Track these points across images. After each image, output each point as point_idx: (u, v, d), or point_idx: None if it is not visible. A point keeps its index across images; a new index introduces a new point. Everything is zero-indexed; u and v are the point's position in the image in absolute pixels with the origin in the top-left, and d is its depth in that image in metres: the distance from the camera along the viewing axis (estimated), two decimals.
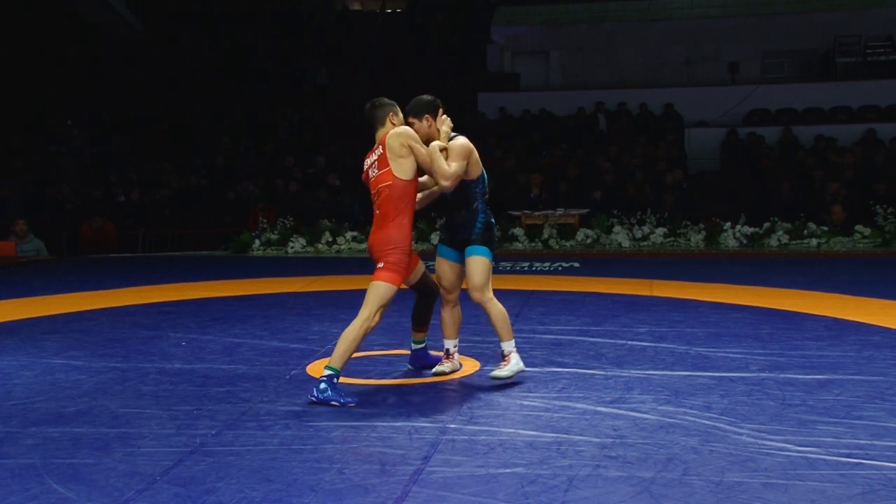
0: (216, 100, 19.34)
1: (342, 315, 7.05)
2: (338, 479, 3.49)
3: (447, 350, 5.20)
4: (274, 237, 12.88)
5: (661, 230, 12.32)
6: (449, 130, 4.99)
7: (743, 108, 17.54)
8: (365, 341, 5.85)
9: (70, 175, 16.48)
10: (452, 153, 4.86)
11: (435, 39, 21.76)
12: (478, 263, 4.94)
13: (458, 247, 5.10)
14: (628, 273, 9.53)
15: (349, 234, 12.91)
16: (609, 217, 12.60)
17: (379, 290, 4.71)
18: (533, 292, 8.31)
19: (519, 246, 12.35)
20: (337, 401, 4.48)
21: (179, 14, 22.50)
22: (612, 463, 3.61)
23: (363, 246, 12.67)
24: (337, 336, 5.78)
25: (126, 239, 14.19)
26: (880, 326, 6.36)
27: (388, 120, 4.89)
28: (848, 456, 3.64)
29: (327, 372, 4.56)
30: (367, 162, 4.92)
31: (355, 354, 4.92)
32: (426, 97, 5.01)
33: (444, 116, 5.01)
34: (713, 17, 19.30)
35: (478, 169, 4.99)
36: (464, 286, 5.13)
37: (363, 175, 4.97)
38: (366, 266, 10.32)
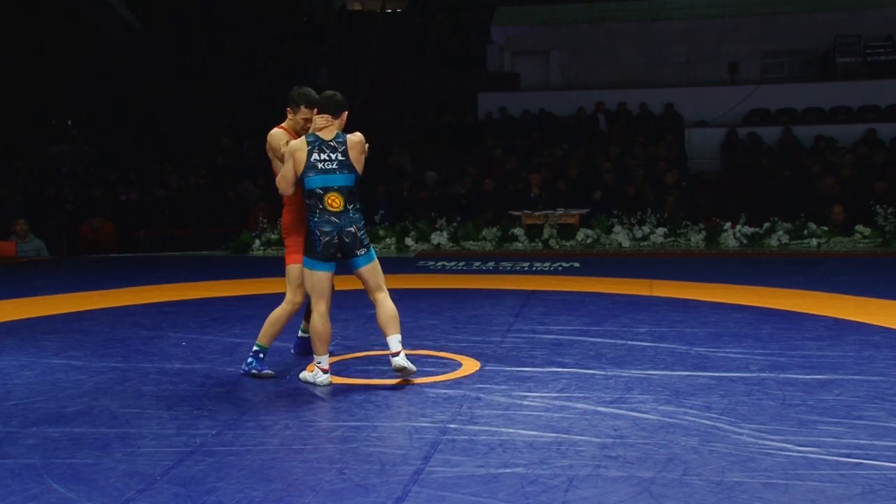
0: (216, 100, 19.34)
1: (342, 315, 7.06)
2: (338, 479, 3.49)
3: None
4: (274, 237, 12.88)
5: (661, 230, 12.32)
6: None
7: (743, 108, 17.55)
8: (364, 341, 5.87)
9: (70, 175, 16.48)
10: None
11: (435, 39, 21.76)
12: (304, 273, 5.09)
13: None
14: (628, 273, 9.53)
15: None
16: (609, 217, 12.60)
17: (289, 273, 5.18)
18: (533, 292, 8.31)
19: (519, 246, 12.35)
20: (257, 369, 5.15)
21: (179, 14, 22.51)
22: (612, 463, 3.61)
23: None
24: (337, 335, 5.79)
25: (126, 239, 14.19)
26: (880, 326, 6.35)
27: (287, 111, 5.29)
28: (848, 456, 3.64)
29: (255, 348, 5.20)
30: None
31: (356, 354, 5.26)
32: (328, 93, 5.07)
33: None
34: (713, 17, 19.31)
35: (298, 170, 4.96)
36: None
37: None
38: None
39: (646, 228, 12.38)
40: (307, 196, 4.94)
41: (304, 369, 5.15)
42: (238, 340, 6.24)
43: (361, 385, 5.01)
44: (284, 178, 5.00)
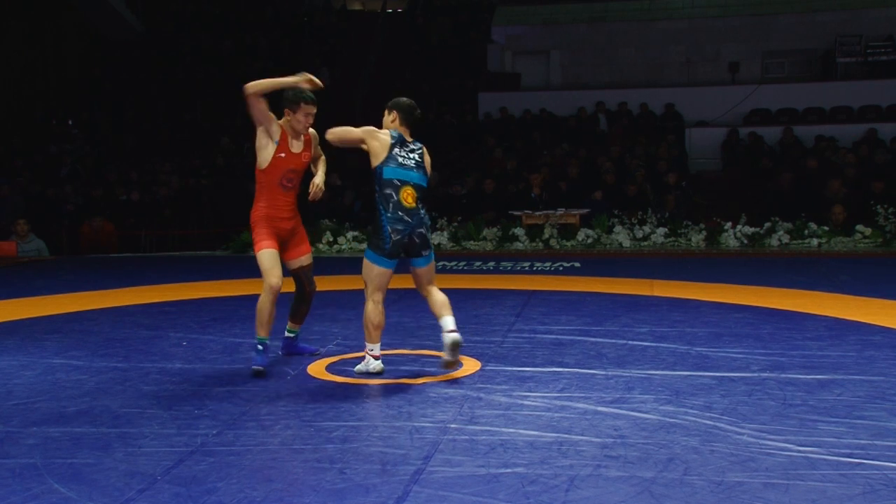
0: (217, 100, 19.34)
1: (343, 315, 7.06)
2: (339, 478, 3.49)
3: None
4: None
5: (661, 230, 12.32)
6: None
7: (743, 108, 17.54)
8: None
9: (71, 175, 16.48)
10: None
11: (435, 39, 21.76)
12: (363, 262, 5.21)
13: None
14: (629, 273, 9.53)
15: (350, 234, 12.91)
16: (610, 217, 12.60)
17: (258, 260, 5.26)
18: (534, 292, 8.31)
19: (520, 246, 12.35)
20: (256, 363, 5.26)
21: (179, 14, 22.52)
22: (612, 463, 3.61)
23: (363, 246, 12.65)
24: (338, 335, 5.80)
25: (126, 239, 14.19)
26: (881, 326, 6.35)
27: (285, 112, 5.36)
28: (849, 456, 3.64)
29: (256, 339, 5.34)
30: None
31: (357, 354, 5.32)
32: (406, 101, 5.32)
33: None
34: (713, 16, 19.30)
35: (379, 158, 5.12)
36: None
37: None
38: None
39: (646, 228, 12.38)
40: (382, 186, 5.06)
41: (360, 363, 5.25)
42: (238, 340, 6.24)
43: (362, 385, 5.01)
44: (346, 134, 5.10)
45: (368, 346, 5.17)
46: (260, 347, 5.26)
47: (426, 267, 5.20)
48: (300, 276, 5.55)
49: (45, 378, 5.23)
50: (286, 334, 5.74)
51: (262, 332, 5.27)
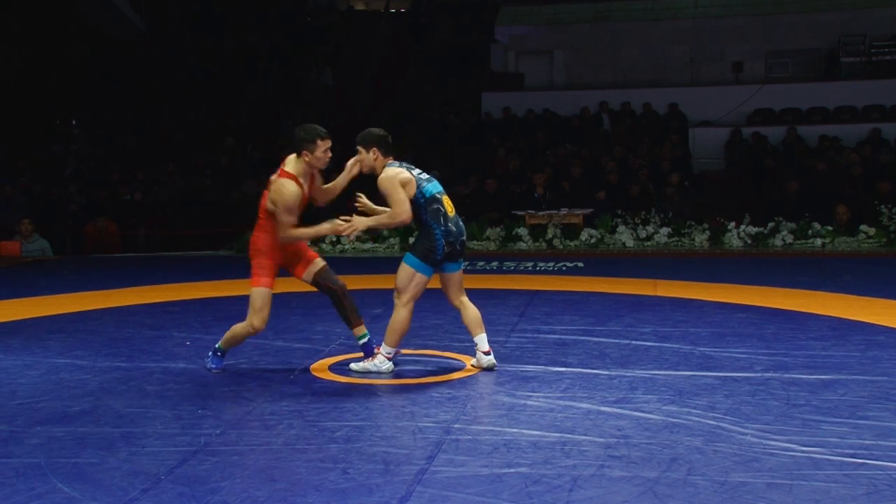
0: (220, 100, 19.35)
1: None
2: (342, 478, 3.49)
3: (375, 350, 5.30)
4: None
5: (665, 230, 12.31)
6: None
7: (747, 108, 17.51)
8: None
9: (74, 175, 16.50)
10: (385, 191, 5.08)
11: (439, 39, 21.75)
12: (403, 269, 5.17)
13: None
14: (632, 273, 9.52)
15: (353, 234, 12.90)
16: (613, 217, 12.59)
17: (252, 295, 5.15)
18: (537, 292, 8.31)
19: (523, 246, 12.34)
20: (213, 366, 5.31)
21: (183, 14, 22.53)
22: (616, 463, 3.61)
23: (367, 246, 12.67)
24: (341, 335, 5.80)
25: (130, 239, 14.20)
26: (885, 326, 6.35)
27: (302, 155, 5.07)
28: (853, 456, 3.63)
29: (217, 346, 5.35)
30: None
31: (359, 354, 5.37)
32: (378, 131, 5.21)
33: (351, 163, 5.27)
34: (717, 16, 19.27)
35: (412, 192, 5.10)
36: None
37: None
38: (370, 266, 10.35)
39: (650, 228, 12.36)
40: (429, 204, 5.11)
41: (359, 362, 5.28)
42: None
43: (365, 385, 5.01)
44: (404, 204, 5.04)
45: (387, 349, 5.20)
46: (220, 354, 5.36)
47: (459, 272, 5.29)
48: (322, 282, 5.33)
49: (49, 378, 5.24)
50: (361, 342, 5.39)
51: (226, 345, 5.34)
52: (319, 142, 5.07)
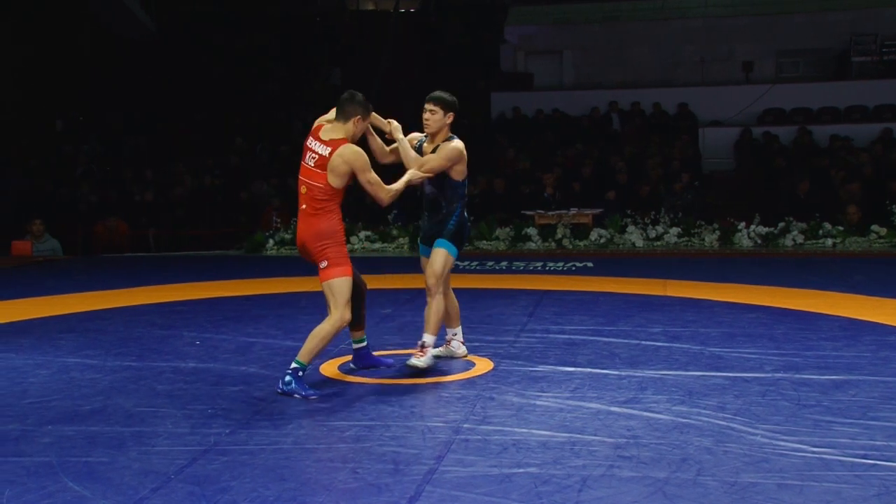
0: (229, 100, 19.39)
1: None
2: (351, 478, 3.49)
3: (422, 343, 5.24)
4: (287, 237, 12.90)
5: (675, 230, 12.28)
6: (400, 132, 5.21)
7: (757, 108, 17.46)
8: (377, 341, 5.87)
9: (85, 175, 16.56)
10: (442, 153, 5.10)
11: (448, 39, 21.74)
12: (441, 255, 5.20)
13: (431, 243, 5.32)
14: (642, 273, 9.50)
15: (362, 234, 12.92)
16: (623, 217, 12.57)
17: (335, 287, 4.77)
18: (546, 292, 8.30)
19: (532, 246, 12.33)
20: (300, 393, 4.68)
21: (192, 14, 22.57)
22: (625, 463, 3.60)
23: (377, 245, 12.67)
24: (348, 335, 5.79)
25: (140, 239, 14.25)
26: None
27: (352, 122, 4.84)
28: (864, 457, 3.62)
29: (294, 365, 4.74)
30: (311, 145, 4.84)
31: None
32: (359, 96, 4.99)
33: (392, 121, 5.23)
34: (727, 15, 19.22)
35: (464, 173, 5.20)
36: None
37: (303, 149, 4.89)
38: (377, 266, 10.34)
39: (659, 228, 12.34)
40: (464, 191, 5.23)
41: (413, 357, 5.18)
42: (251, 340, 6.26)
43: (375, 384, 5.01)
44: (439, 172, 5.10)
45: (432, 338, 5.19)
46: (301, 374, 4.75)
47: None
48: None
49: (60, 377, 5.26)
50: (356, 346, 5.27)
51: (307, 359, 4.77)
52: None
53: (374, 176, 4.82)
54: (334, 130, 4.84)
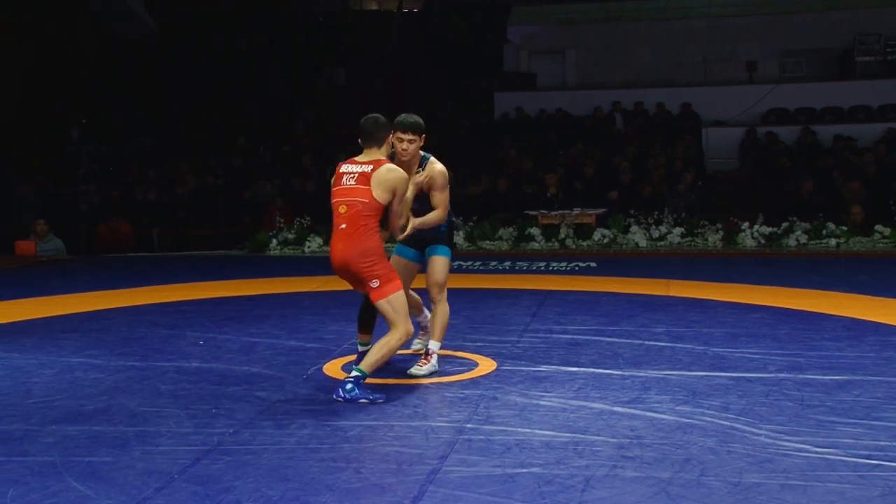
0: (232, 100, 19.41)
1: (352, 313, 7.06)
2: (354, 478, 3.50)
3: (427, 350, 5.28)
4: (291, 237, 12.90)
5: (678, 230, 12.27)
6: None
7: (761, 108, 17.44)
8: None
9: (88, 175, 16.58)
10: (438, 183, 5.10)
11: (451, 39, 21.75)
12: (441, 262, 5.23)
13: (417, 246, 5.31)
14: (645, 273, 9.50)
15: None
16: (626, 217, 12.56)
17: (394, 303, 4.76)
18: (549, 292, 8.29)
19: (535, 246, 12.32)
20: (365, 398, 4.60)
21: (195, 14, 22.59)
22: (629, 463, 3.60)
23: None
24: (352, 335, 5.79)
25: (143, 239, 14.27)
26: None
27: (386, 144, 4.86)
28: (867, 457, 3.61)
29: (355, 373, 4.67)
30: (347, 169, 4.80)
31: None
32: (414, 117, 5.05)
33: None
34: (730, 15, 19.20)
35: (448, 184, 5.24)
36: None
37: (335, 178, 4.84)
38: None
39: (662, 228, 12.33)
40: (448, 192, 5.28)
41: (416, 366, 5.19)
42: (254, 339, 6.26)
43: (378, 384, 5.01)
44: (447, 202, 5.18)
45: (438, 344, 5.26)
46: (363, 381, 4.70)
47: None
48: None
49: (64, 377, 5.27)
50: (361, 349, 5.26)
51: (370, 370, 4.71)
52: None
53: (408, 200, 4.93)
54: (370, 155, 4.83)
